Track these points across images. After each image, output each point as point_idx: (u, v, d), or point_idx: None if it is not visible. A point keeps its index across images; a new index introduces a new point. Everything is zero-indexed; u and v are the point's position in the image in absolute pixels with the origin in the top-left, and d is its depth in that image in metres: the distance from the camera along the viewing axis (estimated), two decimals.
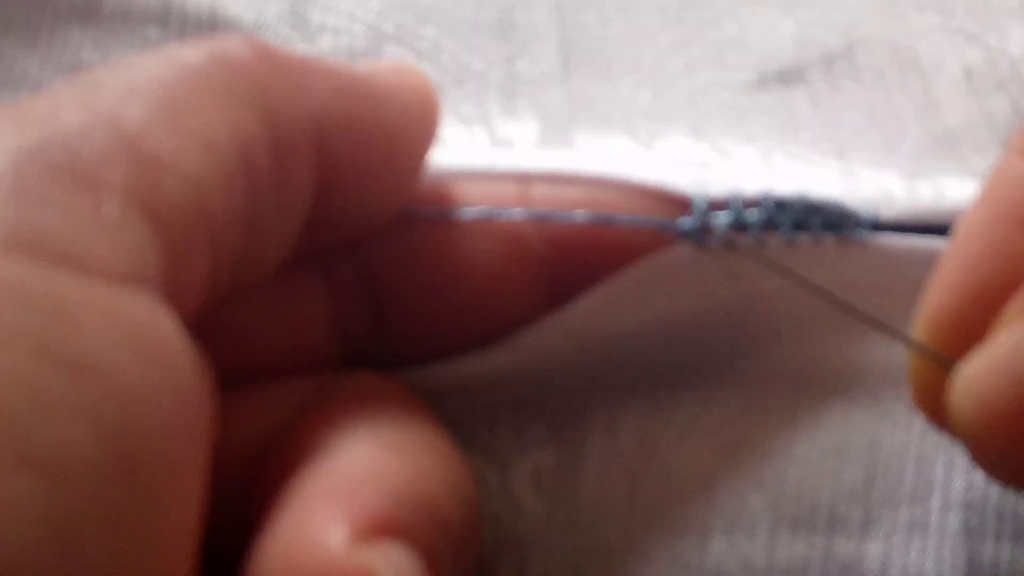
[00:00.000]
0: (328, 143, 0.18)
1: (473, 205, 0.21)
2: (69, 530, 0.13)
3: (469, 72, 0.25)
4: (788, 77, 0.25)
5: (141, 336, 0.14)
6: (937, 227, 0.22)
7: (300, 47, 0.26)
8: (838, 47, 0.25)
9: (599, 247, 0.21)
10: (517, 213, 0.21)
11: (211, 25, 0.25)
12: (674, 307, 0.22)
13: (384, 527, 0.16)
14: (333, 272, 0.21)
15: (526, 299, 0.22)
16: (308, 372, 0.20)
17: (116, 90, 0.16)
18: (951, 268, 0.18)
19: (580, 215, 0.21)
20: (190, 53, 0.17)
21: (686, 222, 0.21)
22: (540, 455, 0.22)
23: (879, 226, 0.22)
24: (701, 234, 0.21)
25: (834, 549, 0.21)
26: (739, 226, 0.21)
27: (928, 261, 0.21)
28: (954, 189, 0.22)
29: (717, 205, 0.21)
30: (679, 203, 0.21)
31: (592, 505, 0.22)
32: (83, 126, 0.15)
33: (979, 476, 0.21)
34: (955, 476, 0.21)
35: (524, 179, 0.22)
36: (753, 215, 0.21)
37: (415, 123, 0.20)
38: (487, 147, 0.25)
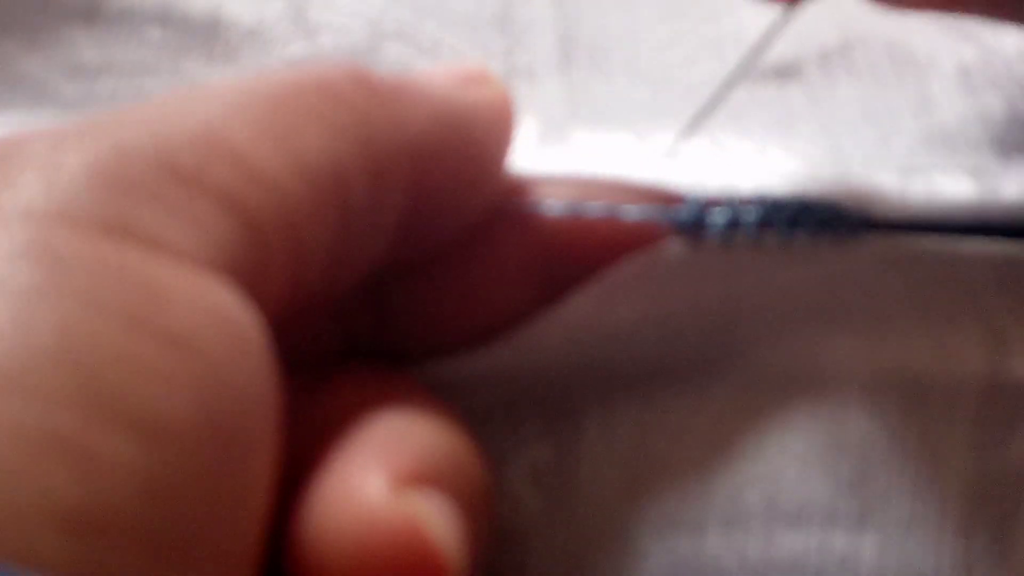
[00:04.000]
0: (422, 170, 0.19)
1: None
2: (162, 489, 0.13)
3: None
4: (785, 72, 0.25)
5: (226, 318, 0.15)
6: (931, 224, 0.22)
7: (300, 45, 0.26)
8: (834, 43, 0.25)
9: (593, 243, 0.22)
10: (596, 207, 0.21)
11: (212, 26, 0.25)
12: (668, 303, 0.22)
13: (422, 477, 0.16)
14: None
15: (521, 295, 0.22)
16: (311, 364, 0.20)
17: (222, 102, 0.17)
18: None
19: (593, 207, 0.21)
20: (296, 78, 0.18)
21: (682, 214, 0.21)
22: (537, 451, 0.22)
23: (874, 224, 0.22)
24: (696, 230, 0.21)
25: (830, 543, 0.21)
26: (735, 223, 0.21)
27: (922, 259, 0.22)
28: (948, 185, 0.22)
29: (713, 202, 0.22)
30: (674, 201, 0.22)
31: (589, 501, 0.22)
32: (186, 129, 0.16)
33: (977, 470, 0.21)
34: (951, 470, 0.21)
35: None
36: (749, 213, 0.21)
37: (499, 140, 0.21)
38: None
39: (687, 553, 0.21)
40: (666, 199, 0.22)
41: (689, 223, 0.21)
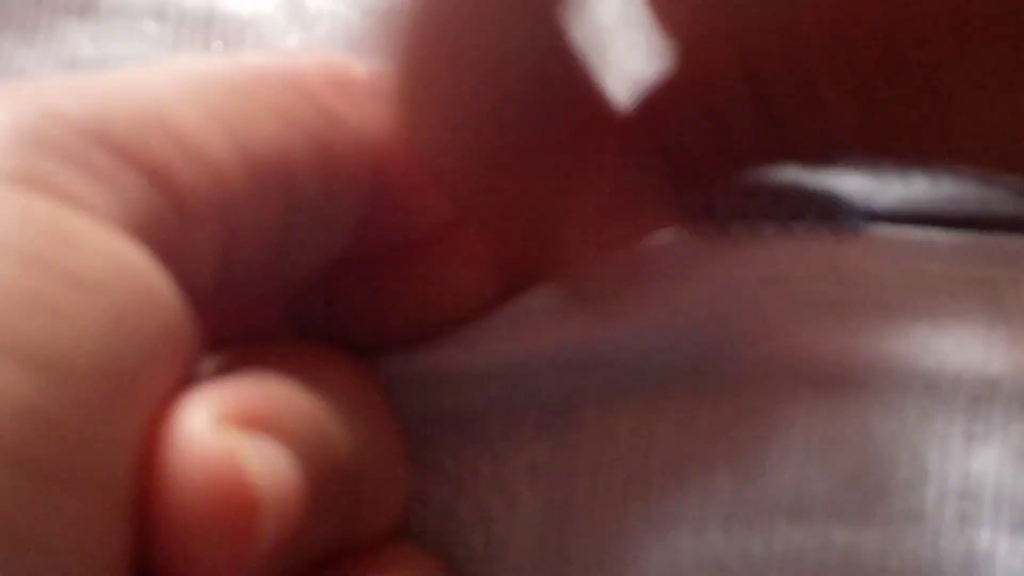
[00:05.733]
0: (385, 175, 0.19)
1: None
2: (51, 421, 0.14)
3: None
4: None
5: (133, 269, 0.15)
6: (932, 216, 0.22)
7: (298, 36, 0.26)
8: None
9: None
10: None
11: (208, 19, 0.25)
12: (667, 297, 0.22)
13: (259, 422, 0.16)
14: None
15: (488, 286, 0.22)
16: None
17: (176, 81, 0.17)
18: None
19: None
20: (262, 67, 0.18)
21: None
22: (535, 448, 0.22)
23: (874, 216, 0.22)
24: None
25: (831, 538, 0.21)
26: (736, 215, 0.21)
27: (925, 251, 0.22)
28: (946, 178, 0.22)
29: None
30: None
31: (587, 498, 0.22)
32: (128, 102, 0.16)
33: (975, 465, 0.21)
34: (950, 465, 0.21)
35: None
36: (750, 203, 0.21)
37: None
38: None
39: (688, 551, 0.21)
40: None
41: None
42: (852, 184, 0.22)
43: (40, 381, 0.14)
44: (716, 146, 0.18)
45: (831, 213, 0.22)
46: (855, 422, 0.22)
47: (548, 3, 0.18)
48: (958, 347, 0.22)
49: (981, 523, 0.21)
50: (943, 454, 0.21)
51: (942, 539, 0.21)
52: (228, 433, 0.16)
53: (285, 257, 0.19)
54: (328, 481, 0.17)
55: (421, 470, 0.22)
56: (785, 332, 0.22)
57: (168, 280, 0.16)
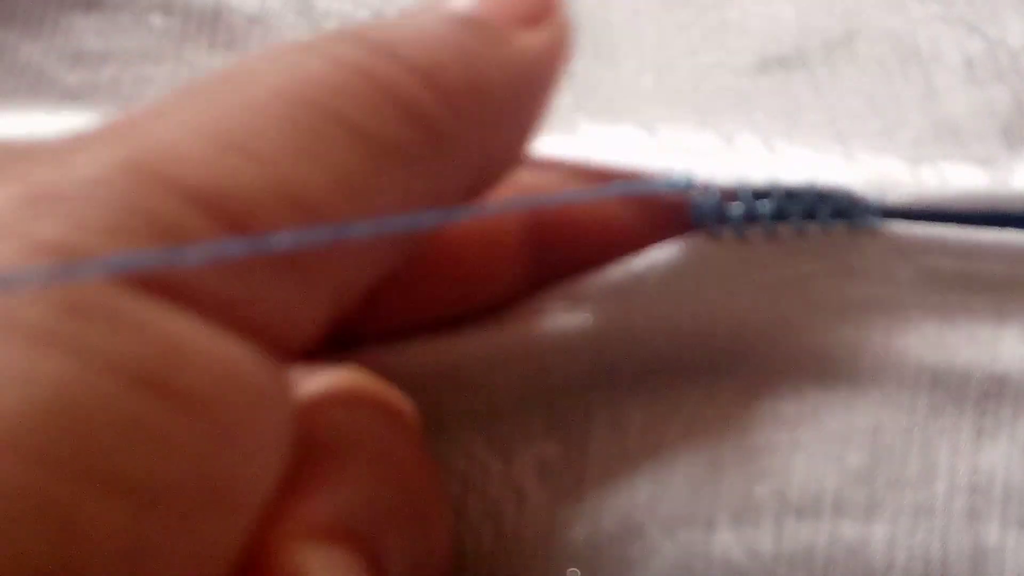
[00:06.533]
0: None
1: None
2: (142, 551, 0.13)
3: None
4: (789, 62, 0.25)
5: (242, 376, 0.15)
6: (943, 212, 0.22)
7: (305, 32, 0.26)
8: (838, 34, 0.25)
9: (586, 228, 0.22)
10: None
11: (215, 13, 0.25)
12: (683, 301, 0.22)
13: (338, 535, 0.17)
14: None
15: (506, 279, 0.22)
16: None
17: (283, 131, 0.16)
18: None
19: (611, 188, 0.21)
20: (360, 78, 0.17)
21: (703, 208, 0.21)
22: (544, 446, 0.22)
23: (888, 212, 0.22)
24: (715, 224, 0.21)
25: (840, 533, 0.21)
26: (750, 217, 0.22)
27: (937, 248, 0.22)
28: (957, 175, 0.23)
29: (727, 196, 0.22)
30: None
31: (596, 496, 0.22)
32: (235, 156, 0.15)
33: (985, 460, 0.22)
34: (959, 460, 0.21)
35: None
36: (764, 206, 0.22)
37: (534, 105, 0.20)
38: None
39: (697, 548, 0.21)
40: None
41: (709, 217, 0.21)
42: (864, 182, 0.22)
43: (135, 509, 0.13)
44: None
45: (844, 211, 0.22)
46: (864, 418, 0.22)
47: None
48: (968, 343, 0.22)
49: (990, 518, 0.21)
50: (952, 449, 0.22)
51: (951, 534, 0.21)
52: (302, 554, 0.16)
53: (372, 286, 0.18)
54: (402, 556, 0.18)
55: None
56: (796, 329, 0.22)
57: (274, 372, 0.15)
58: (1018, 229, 0.22)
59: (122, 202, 0.14)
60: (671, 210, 0.22)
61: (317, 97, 0.16)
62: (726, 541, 0.21)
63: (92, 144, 0.15)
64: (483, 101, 0.18)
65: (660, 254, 0.22)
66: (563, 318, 0.22)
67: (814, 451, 0.22)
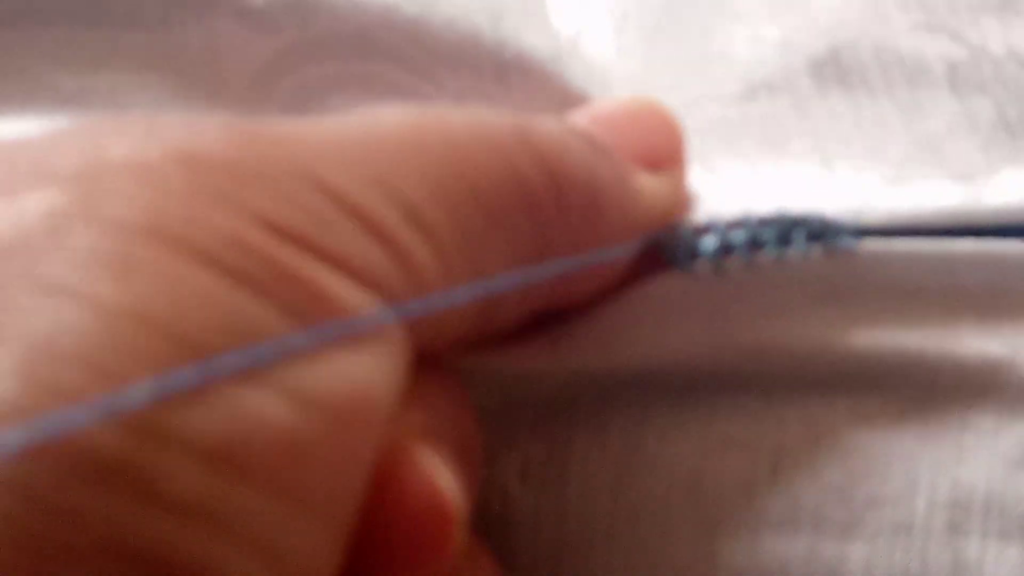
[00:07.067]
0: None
1: None
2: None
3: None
4: (775, 85, 0.25)
5: (357, 383, 0.16)
6: (918, 231, 0.22)
7: (295, 29, 0.25)
8: (823, 51, 0.25)
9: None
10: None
11: (211, 9, 0.25)
12: (663, 341, 0.22)
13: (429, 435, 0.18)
14: None
15: None
16: None
17: (398, 143, 0.17)
18: None
19: (558, 264, 0.21)
20: (495, 128, 0.19)
21: (675, 248, 0.22)
22: (529, 448, 0.23)
23: (864, 232, 0.22)
24: (689, 260, 0.22)
25: (817, 550, 0.21)
26: (725, 250, 0.22)
27: (916, 261, 0.22)
28: (932, 193, 0.23)
29: (699, 230, 0.22)
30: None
31: (579, 499, 0.22)
32: (358, 162, 0.17)
33: (966, 473, 0.22)
34: (940, 475, 0.22)
35: None
36: (738, 236, 0.22)
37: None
38: None
39: (674, 560, 0.22)
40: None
41: (682, 255, 0.22)
42: (840, 204, 0.23)
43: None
44: None
45: (819, 234, 0.22)
46: (844, 434, 0.22)
47: None
48: (950, 356, 0.22)
49: (970, 532, 0.21)
50: (934, 464, 0.22)
51: (930, 551, 0.21)
52: (421, 456, 0.17)
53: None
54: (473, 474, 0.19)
55: None
56: (778, 350, 0.23)
57: (387, 375, 0.16)
58: (996, 238, 0.22)
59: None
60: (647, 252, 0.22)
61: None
62: (702, 553, 0.22)
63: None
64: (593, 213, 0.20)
65: (636, 297, 0.22)
66: (543, 360, 0.22)
67: (793, 465, 0.22)
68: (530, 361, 0.22)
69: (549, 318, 0.22)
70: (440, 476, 0.17)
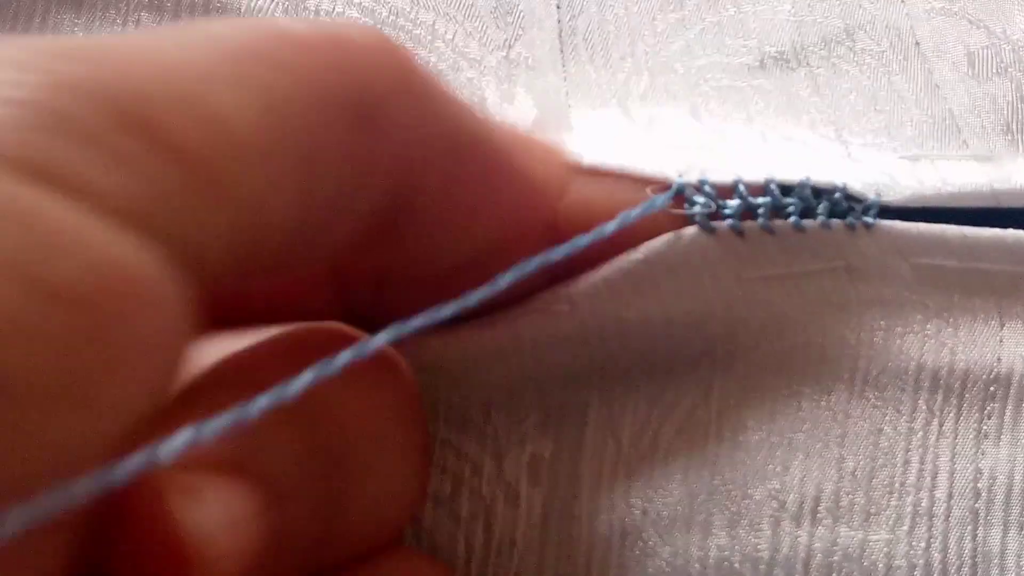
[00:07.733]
0: (416, 183, 0.18)
1: None
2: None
3: (465, 58, 0.25)
4: (788, 60, 0.25)
5: (124, 273, 0.14)
6: (940, 211, 0.22)
7: None
8: (838, 30, 0.25)
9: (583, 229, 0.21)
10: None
11: (204, 10, 0.25)
12: (678, 295, 0.21)
13: (229, 467, 0.17)
14: None
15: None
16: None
17: (201, 49, 0.16)
18: None
19: (584, 238, 0.20)
20: (307, 37, 0.17)
21: (695, 207, 0.21)
22: (537, 445, 0.22)
23: (884, 210, 0.22)
24: (709, 220, 0.21)
25: (838, 539, 0.21)
26: (746, 212, 0.21)
27: (937, 247, 0.22)
28: (956, 173, 0.22)
29: (723, 192, 0.21)
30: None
31: (589, 497, 0.21)
32: (146, 68, 0.15)
33: (986, 463, 0.21)
34: (961, 464, 0.21)
35: None
36: (760, 201, 0.21)
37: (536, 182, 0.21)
38: None
39: (692, 552, 0.21)
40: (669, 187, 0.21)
41: (704, 213, 0.21)
42: (863, 180, 0.22)
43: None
44: None
45: (842, 209, 0.22)
46: (864, 422, 0.21)
47: None
48: (969, 344, 0.22)
49: (992, 522, 0.21)
50: (954, 453, 0.21)
51: (951, 539, 0.21)
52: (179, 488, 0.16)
53: (306, 240, 0.18)
54: (305, 498, 0.18)
55: None
56: (793, 327, 0.22)
57: (168, 272, 0.15)
58: (1018, 227, 0.22)
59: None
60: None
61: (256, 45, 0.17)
62: (722, 545, 0.21)
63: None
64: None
65: (653, 249, 0.21)
66: (557, 316, 0.21)
67: (811, 453, 0.21)
68: (552, 321, 0.21)
69: (558, 281, 0.21)
70: (191, 519, 0.16)
